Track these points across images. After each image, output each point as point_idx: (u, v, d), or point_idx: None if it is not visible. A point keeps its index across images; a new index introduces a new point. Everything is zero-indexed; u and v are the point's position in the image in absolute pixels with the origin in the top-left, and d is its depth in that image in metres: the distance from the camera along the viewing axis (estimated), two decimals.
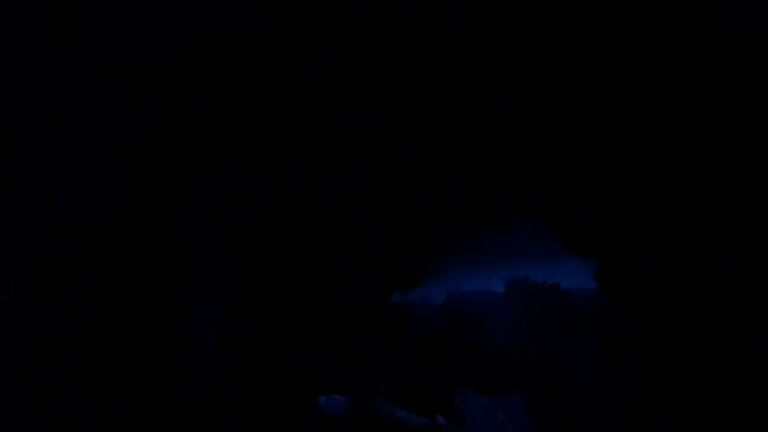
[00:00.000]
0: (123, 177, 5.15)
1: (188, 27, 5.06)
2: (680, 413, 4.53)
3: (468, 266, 5.14)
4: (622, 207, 4.85)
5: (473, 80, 4.94)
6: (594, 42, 4.65)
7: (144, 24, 5.06)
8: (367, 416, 4.68)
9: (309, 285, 5.21)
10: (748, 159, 4.53)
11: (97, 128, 5.14)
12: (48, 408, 4.91)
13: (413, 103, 5.01)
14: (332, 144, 5.13)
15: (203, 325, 5.21)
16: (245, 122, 5.16)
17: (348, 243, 5.25)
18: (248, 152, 5.17)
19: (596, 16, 4.58)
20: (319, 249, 5.26)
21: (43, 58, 5.04)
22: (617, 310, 4.78)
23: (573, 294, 4.83)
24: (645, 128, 4.74)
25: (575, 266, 4.91)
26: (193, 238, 5.21)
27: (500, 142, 5.03)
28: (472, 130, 5.07)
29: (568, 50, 4.71)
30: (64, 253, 5.10)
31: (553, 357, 4.73)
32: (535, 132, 4.94)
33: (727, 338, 4.55)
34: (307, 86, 5.08)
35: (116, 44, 5.05)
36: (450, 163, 5.10)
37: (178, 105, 5.10)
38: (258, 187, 5.18)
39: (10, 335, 5.02)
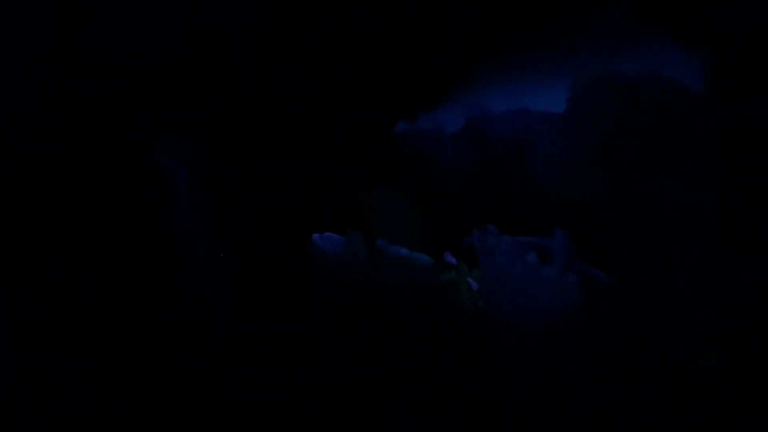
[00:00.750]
0: (123, 176, 5.13)
1: (188, 27, 5.06)
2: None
3: (497, 79, 3.93)
4: None
5: None
6: None
7: (144, 24, 5.05)
8: (364, 255, 4.20)
9: (305, 116, 4.91)
10: None
11: (97, 128, 5.11)
12: (48, 408, 4.87)
13: None
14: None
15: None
16: (245, 122, 5.14)
17: (347, 61, 4.82)
18: (248, 151, 5.15)
19: None
20: (318, 69, 4.89)
21: (43, 58, 5.02)
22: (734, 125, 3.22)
23: (673, 99, 3.28)
24: None
25: (676, 60, 3.35)
26: (192, 235, 5.18)
27: None
28: None
29: None
30: (65, 252, 5.05)
31: (629, 191, 3.20)
32: None
33: None
34: (307, 86, 5.02)
35: (116, 44, 5.06)
36: None
37: (178, 105, 5.10)
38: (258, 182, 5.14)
39: (9, 335, 5.01)
